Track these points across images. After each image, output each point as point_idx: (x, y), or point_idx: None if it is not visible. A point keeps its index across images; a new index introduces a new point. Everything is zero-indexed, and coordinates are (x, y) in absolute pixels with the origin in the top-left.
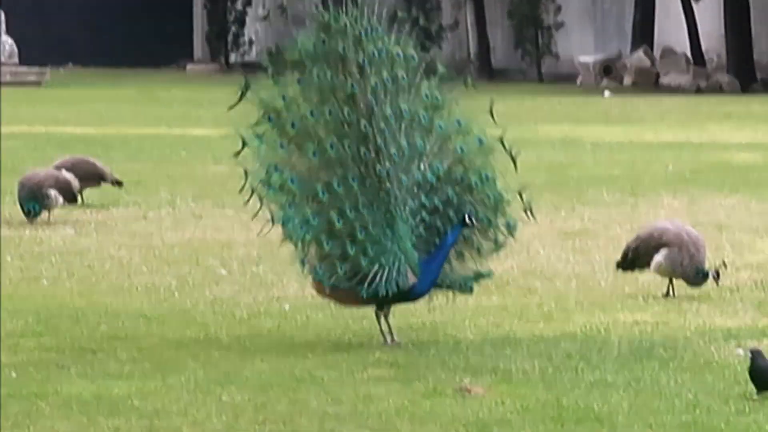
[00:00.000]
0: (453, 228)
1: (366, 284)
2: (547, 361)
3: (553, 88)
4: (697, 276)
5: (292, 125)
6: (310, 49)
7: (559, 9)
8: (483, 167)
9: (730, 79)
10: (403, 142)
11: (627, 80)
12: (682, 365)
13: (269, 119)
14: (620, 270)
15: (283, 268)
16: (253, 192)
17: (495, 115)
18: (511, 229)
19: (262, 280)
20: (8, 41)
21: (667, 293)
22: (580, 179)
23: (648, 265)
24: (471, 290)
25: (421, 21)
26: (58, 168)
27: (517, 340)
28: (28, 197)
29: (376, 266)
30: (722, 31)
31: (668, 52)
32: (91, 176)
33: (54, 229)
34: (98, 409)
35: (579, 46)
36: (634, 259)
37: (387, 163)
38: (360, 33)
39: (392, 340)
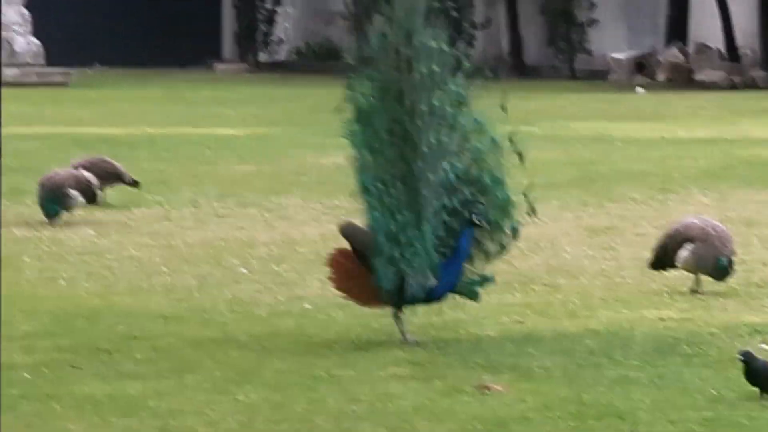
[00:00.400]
0: (464, 230)
1: (397, 287)
2: (568, 358)
3: (585, 85)
4: (717, 269)
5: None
6: (375, 44)
7: (592, 5)
8: (495, 168)
9: (765, 74)
10: (433, 140)
11: (660, 76)
12: (706, 361)
13: (359, 120)
14: (652, 269)
15: (305, 267)
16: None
17: (508, 112)
18: (515, 232)
19: (284, 280)
20: (35, 42)
21: (694, 289)
22: (609, 176)
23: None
24: (477, 296)
25: (454, 15)
26: (76, 168)
27: (539, 337)
28: (48, 198)
29: (410, 269)
30: (757, 26)
31: (702, 48)
32: (109, 176)
33: (74, 230)
34: (111, 410)
35: (612, 43)
36: (664, 257)
37: (420, 162)
38: (409, 27)
39: (407, 339)
